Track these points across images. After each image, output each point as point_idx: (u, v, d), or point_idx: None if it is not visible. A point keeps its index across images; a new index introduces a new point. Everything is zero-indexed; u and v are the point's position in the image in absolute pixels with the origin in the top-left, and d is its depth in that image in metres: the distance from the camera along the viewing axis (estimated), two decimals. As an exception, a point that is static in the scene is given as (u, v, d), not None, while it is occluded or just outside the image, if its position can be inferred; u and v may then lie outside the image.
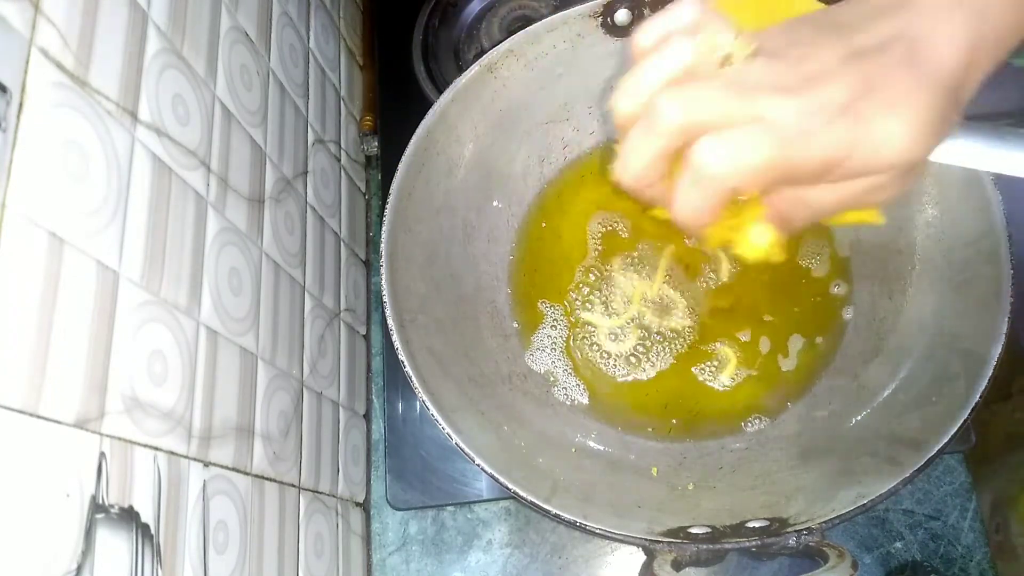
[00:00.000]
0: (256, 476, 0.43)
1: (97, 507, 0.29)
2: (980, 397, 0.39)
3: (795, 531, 0.38)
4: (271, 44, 0.52)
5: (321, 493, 0.53)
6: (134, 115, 0.34)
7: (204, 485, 0.38)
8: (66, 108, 0.30)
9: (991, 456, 0.57)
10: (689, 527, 0.40)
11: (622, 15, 0.50)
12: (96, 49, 0.32)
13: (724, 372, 0.52)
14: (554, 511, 0.40)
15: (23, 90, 0.27)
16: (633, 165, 0.28)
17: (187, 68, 0.40)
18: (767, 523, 0.40)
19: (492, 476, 0.41)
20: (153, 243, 0.35)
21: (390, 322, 0.44)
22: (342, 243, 0.64)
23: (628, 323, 0.54)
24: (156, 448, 0.34)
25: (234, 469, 0.41)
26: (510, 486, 0.40)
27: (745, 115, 0.26)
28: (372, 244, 0.71)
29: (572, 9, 0.50)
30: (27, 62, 0.28)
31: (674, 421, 0.52)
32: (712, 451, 0.51)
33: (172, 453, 0.35)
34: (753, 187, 0.27)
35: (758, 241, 0.31)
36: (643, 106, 0.27)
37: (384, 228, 0.46)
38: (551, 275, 0.56)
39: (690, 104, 0.26)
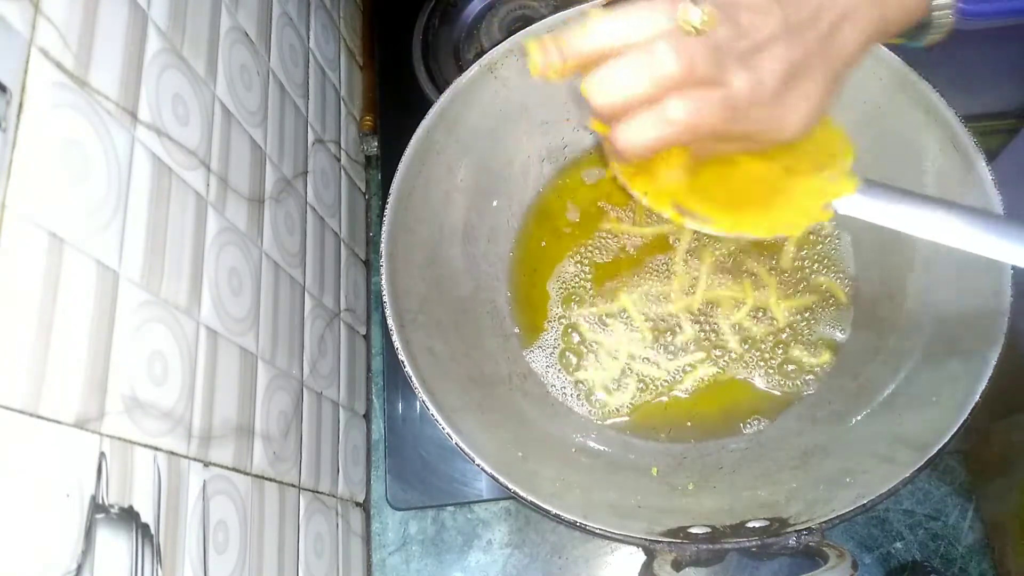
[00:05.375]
0: (256, 476, 0.43)
1: (97, 507, 0.29)
2: (980, 397, 0.39)
3: (795, 531, 0.38)
4: (271, 44, 0.52)
5: (321, 493, 0.53)
6: (134, 115, 0.34)
7: (204, 485, 0.38)
8: (66, 108, 0.30)
9: (986, 478, 0.57)
10: (689, 527, 0.40)
11: (622, 15, 0.50)
12: (96, 49, 0.32)
13: (818, 359, 0.52)
14: (554, 511, 0.40)
15: (23, 90, 0.27)
16: (616, 89, 0.30)
17: (187, 68, 0.40)
18: (767, 523, 0.40)
19: (492, 476, 0.41)
20: (153, 243, 0.35)
21: (390, 322, 0.44)
22: (342, 243, 0.64)
23: (620, 374, 0.54)
24: (156, 448, 0.34)
25: (234, 469, 0.41)
26: (510, 486, 0.40)
27: (714, 78, 0.30)
28: (372, 244, 0.71)
29: (572, 9, 0.50)
30: (27, 62, 0.28)
31: (689, 424, 0.52)
32: (712, 451, 0.51)
33: (172, 453, 0.35)
34: (693, 140, 0.31)
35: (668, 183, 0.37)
36: (639, 45, 0.30)
37: (384, 228, 0.46)
38: (550, 275, 0.56)
39: (684, 58, 0.29)
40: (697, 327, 0.54)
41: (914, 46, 0.38)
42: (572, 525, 0.40)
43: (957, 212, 0.37)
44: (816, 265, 0.54)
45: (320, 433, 0.55)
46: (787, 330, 0.53)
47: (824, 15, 0.31)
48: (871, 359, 0.50)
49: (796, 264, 0.54)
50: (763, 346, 0.53)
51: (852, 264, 0.54)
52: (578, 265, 0.56)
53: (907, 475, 0.38)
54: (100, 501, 0.30)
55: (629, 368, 0.53)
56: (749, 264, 0.54)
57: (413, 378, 0.43)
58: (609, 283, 0.55)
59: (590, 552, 0.58)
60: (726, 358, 0.53)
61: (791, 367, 0.52)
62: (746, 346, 0.53)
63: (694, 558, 0.38)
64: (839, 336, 0.52)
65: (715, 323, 0.54)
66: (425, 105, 0.49)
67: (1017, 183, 0.44)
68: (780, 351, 0.53)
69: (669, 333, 0.54)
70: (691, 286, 0.54)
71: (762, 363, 0.52)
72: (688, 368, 0.53)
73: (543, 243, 0.57)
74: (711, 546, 0.39)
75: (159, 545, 0.33)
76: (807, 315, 0.53)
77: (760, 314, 0.53)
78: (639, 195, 0.40)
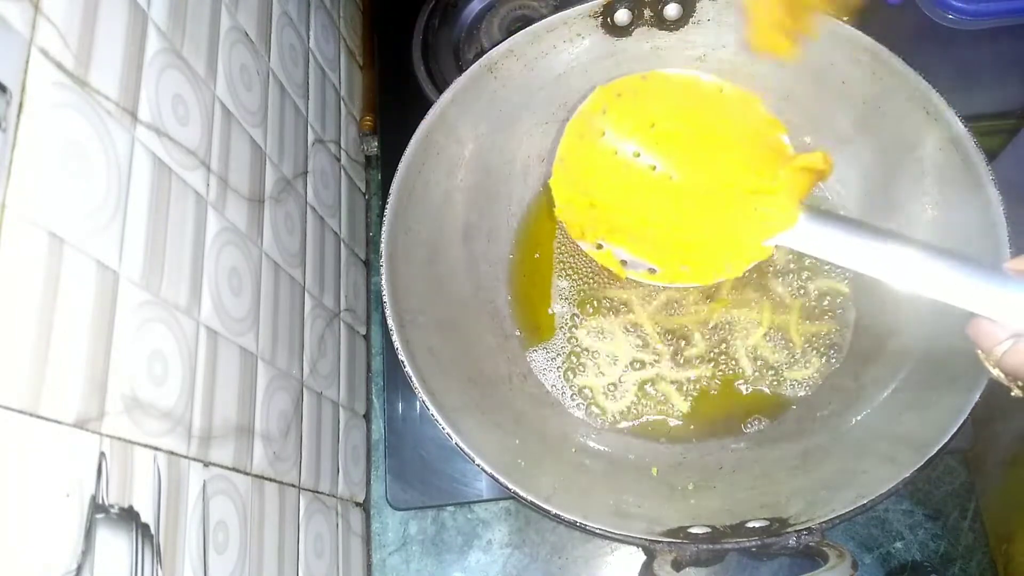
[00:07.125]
0: (256, 476, 0.43)
1: (97, 507, 0.29)
2: (980, 397, 0.39)
3: (795, 531, 0.38)
4: (271, 44, 0.52)
5: (321, 493, 0.53)
6: (134, 115, 0.34)
7: (204, 485, 0.38)
8: (66, 108, 0.30)
9: (985, 478, 0.56)
10: (689, 527, 0.40)
11: (622, 15, 0.50)
12: (96, 49, 0.32)
13: (819, 359, 0.51)
14: (554, 511, 0.40)
15: (23, 90, 0.27)
16: None
17: (187, 68, 0.40)
18: (767, 523, 0.40)
19: (492, 476, 0.41)
20: (153, 243, 0.35)
21: (390, 322, 0.44)
22: (342, 243, 0.64)
23: (623, 374, 0.53)
24: (156, 448, 0.34)
25: (234, 469, 0.41)
26: (510, 486, 0.40)
27: None
28: (372, 244, 0.71)
29: (572, 9, 0.50)
30: (27, 62, 0.28)
31: (691, 426, 0.52)
32: (712, 451, 0.51)
33: (172, 453, 0.35)
34: None
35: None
36: None
37: (384, 228, 0.46)
38: (550, 275, 0.56)
39: None
40: (709, 344, 0.53)
41: None
42: (572, 525, 0.40)
43: (911, 248, 0.34)
44: (816, 262, 0.54)
45: (320, 433, 0.55)
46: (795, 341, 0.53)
47: None
48: (871, 359, 0.50)
49: (795, 263, 0.54)
50: (772, 364, 0.53)
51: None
52: (578, 265, 0.56)
53: (907, 475, 0.38)
54: (100, 501, 0.30)
55: (629, 374, 0.53)
56: (772, 285, 0.54)
57: (413, 378, 0.43)
58: (613, 283, 0.55)
59: (590, 552, 0.58)
60: (734, 375, 0.53)
61: (793, 364, 0.52)
62: (757, 365, 0.53)
63: (694, 558, 0.38)
64: (840, 336, 0.52)
65: (731, 343, 0.53)
66: (425, 105, 0.49)
67: (1017, 183, 0.44)
68: (782, 353, 0.53)
69: (680, 341, 0.54)
70: (707, 297, 0.54)
71: (768, 376, 0.52)
72: (692, 379, 0.53)
73: (543, 244, 0.57)
74: (711, 546, 0.39)
75: (159, 545, 0.33)
76: (811, 312, 0.53)
77: (775, 336, 0.53)
78: (583, 245, 0.38)
